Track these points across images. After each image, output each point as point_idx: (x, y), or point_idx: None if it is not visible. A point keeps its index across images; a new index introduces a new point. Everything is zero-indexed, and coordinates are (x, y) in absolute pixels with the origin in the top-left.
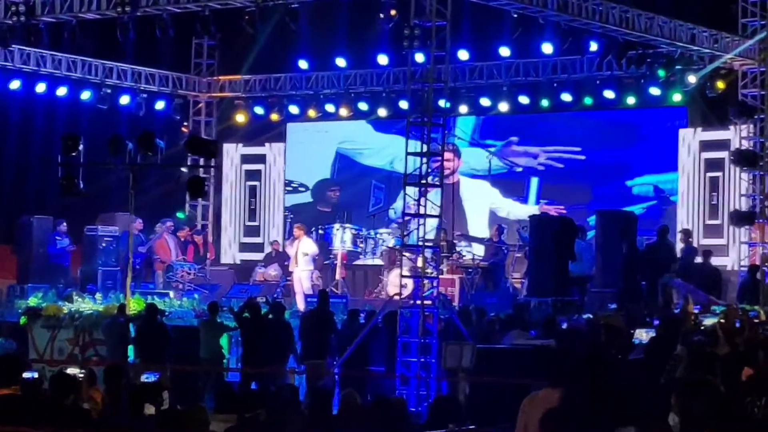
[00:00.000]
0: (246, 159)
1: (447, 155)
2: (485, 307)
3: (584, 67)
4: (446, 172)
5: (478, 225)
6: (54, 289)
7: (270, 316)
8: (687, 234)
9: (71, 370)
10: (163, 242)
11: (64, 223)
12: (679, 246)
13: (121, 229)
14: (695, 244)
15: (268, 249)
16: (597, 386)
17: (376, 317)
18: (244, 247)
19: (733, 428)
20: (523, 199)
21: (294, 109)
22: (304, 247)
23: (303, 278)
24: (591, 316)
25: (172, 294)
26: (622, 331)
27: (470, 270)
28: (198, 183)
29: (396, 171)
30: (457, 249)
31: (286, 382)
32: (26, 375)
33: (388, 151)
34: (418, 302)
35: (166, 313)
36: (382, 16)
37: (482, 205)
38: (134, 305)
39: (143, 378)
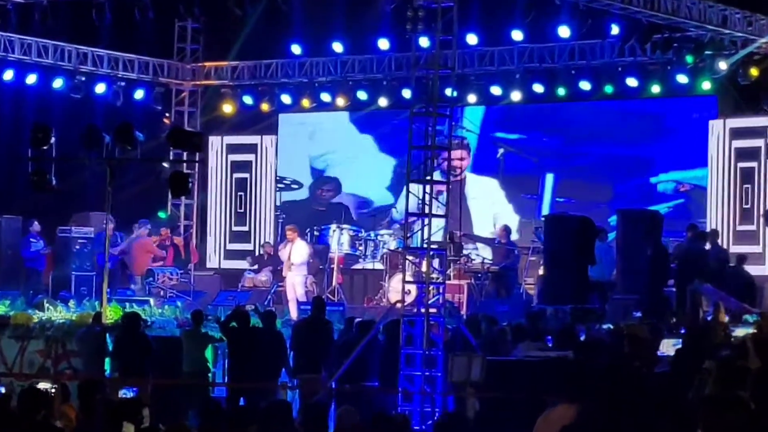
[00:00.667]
0: (233, 149)
1: (458, 153)
2: (496, 316)
3: (605, 53)
4: (456, 170)
5: (486, 226)
6: (23, 296)
7: (260, 325)
8: (714, 235)
9: (42, 385)
10: (144, 244)
11: (37, 223)
12: (706, 248)
13: (96, 230)
14: (725, 247)
15: (258, 252)
16: (618, 402)
17: (376, 327)
18: (231, 252)
19: None
20: (537, 198)
21: (286, 99)
22: (298, 250)
23: (297, 284)
24: (612, 326)
25: (152, 301)
26: (647, 342)
27: (479, 275)
28: (181, 179)
29: (399, 166)
30: (465, 252)
31: (277, 398)
32: None
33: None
34: (423, 310)
35: (148, 323)
36: None
37: (491, 204)
38: (111, 314)
39: (121, 393)
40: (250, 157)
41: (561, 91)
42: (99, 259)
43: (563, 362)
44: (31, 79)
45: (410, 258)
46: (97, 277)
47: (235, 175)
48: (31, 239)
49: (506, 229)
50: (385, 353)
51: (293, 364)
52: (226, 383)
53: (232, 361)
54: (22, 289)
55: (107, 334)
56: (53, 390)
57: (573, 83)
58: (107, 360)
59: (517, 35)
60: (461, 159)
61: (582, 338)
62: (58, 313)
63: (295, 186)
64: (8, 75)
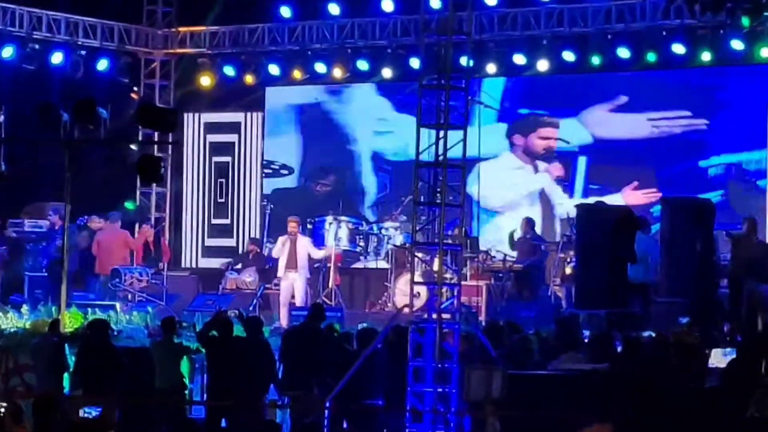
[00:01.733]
0: (212, 128)
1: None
2: (520, 322)
3: (646, 15)
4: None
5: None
6: None
7: (243, 334)
8: None
9: None
10: (117, 237)
11: None
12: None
13: (52, 224)
14: None
15: (242, 249)
16: (662, 422)
17: (379, 336)
18: (211, 249)
19: None
20: (568, 185)
21: (274, 70)
22: (304, 247)
23: (298, 288)
24: (655, 334)
25: (118, 306)
26: (696, 351)
27: (500, 274)
28: (152, 164)
29: (405, 148)
30: (484, 248)
31: (264, 418)
32: None
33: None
34: (434, 316)
35: (114, 332)
36: None
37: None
38: (71, 321)
39: (83, 413)
40: (233, 137)
41: (595, 60)
42: (45, 255)
43: (597, 376)
44: None
45: (419, 255)
46: (50, 279)
47: (215, 159)
48: None
49: (530, 222)
50: (390, 366)
51: (283, 379)
52: (205, 401)
53: (211, 376)
54: None
55: (66, 345)
56: (2, 409)
57: (609, 50)
58: (66, 375)
59: None
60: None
61: (619, 348)
62: (8, 321)
63: (285, 171)
64: None
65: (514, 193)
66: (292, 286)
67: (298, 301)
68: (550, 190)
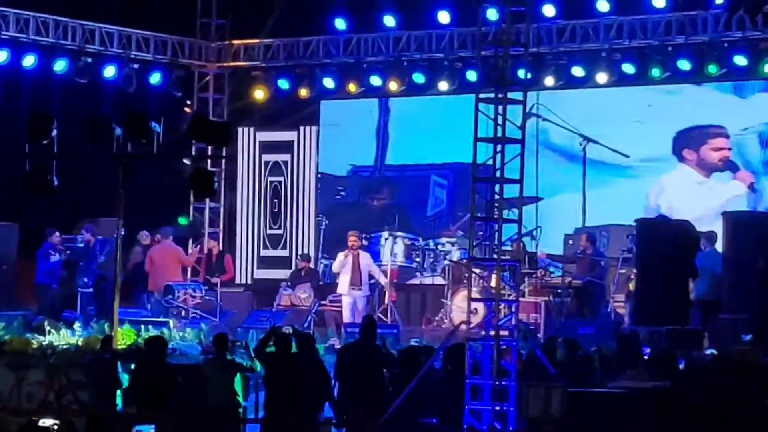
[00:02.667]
0: (267, 148)
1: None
2: (579, 339)
3: (707, 26)
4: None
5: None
6: (20, 317)
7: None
8: None
9: (44, 422)
10: (165, 252)
11: (57, 233)
12: None
13: (86, 241)
14: None
15: (294, 266)
16: None
17: (436, 353)
18: (265, 262)
19: None
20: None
21: (329, 83)
22: (366, 263)
23: (360, 306)
24: (718, 351)
25: (172, 323)
26: (761, 369)
27: (559, 290)
28: (205, 178)
29: (462, 162)
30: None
31: None
32: None
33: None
34: (492, 333)
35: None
36: None
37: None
38: (123, 338)
39: (135, 431)
40: (287, 151)
41: (655, 72)
42: (83, 273)
43: (660, 394)
44: (29, 60)
45: (477, 271)
46: (95, 295)
47: (269, 174)
48: (50, 251)
49: (590, 238)
50: (445, 384)
51: (339, 397)
52: (259, 419)
53: (269, 393)
54: (36, 309)
55: (118, 362)
56: (56, 427)
57: (670, 62)
58: (118, 392)
59: (602, 6)
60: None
61: (682, 366)
62: (61, 338)
63: (340, 187)
64: (1, 56)
65: (703, 206)
66: (355, 303)
67: (358, 319)
68: (739, 200)
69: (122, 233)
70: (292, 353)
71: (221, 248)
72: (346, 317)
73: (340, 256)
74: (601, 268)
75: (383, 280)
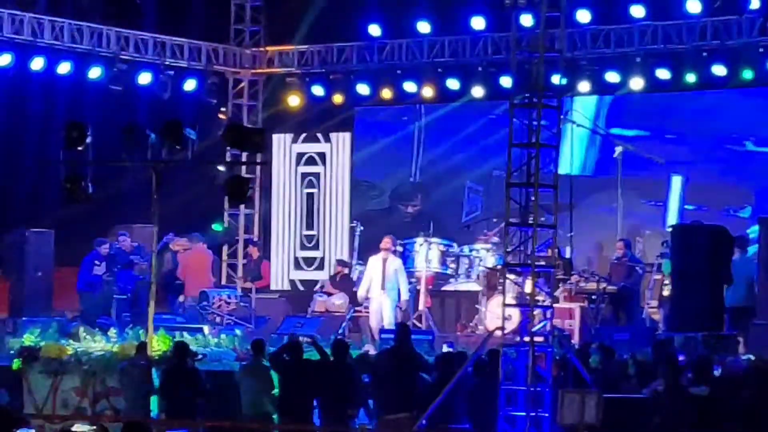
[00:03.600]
0: (302, 158)
1: None
2: (614, 345)
3: (742, 31)
4: None
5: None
6: (55, 324)
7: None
8: None
9: (78, 428)
10: (196, 257)
11: (107, 245)
12: None
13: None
14: None
15: (329, 273)
16: None
17: (471, 359)
18: (300, 267)
19: None
20: (662, 205)
21: (363, 89)
22: (394, 267)
23: (386, 308)
24: (754, 357)
25: (206, 329)
26: None
27: (594, 296)
28: (240, 185)
29: (497, 168)
30: (578, 269)
31: None
32: None
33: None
34: (527, 339)
35: (199, 356)
36: None
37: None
38: (159, 344)
39: None
40: (319, 168)
41: (690, 78)
42: (120, 278)
43: (696, 400)
44: (64, 68)
45: (511, 277)
46: (131, 302)
47: (304, 179)
48: (95, 262)
49: (626, 244)
50: (479, 390)
51: (375, 403)
52: (280, 425)
53: (281, 399)
54: (71, 315)
55: (153, 369)
56: None
57: (704, 68)
58: (153, 399)
59: (637, 11)
60: None
61: (717, 372)
62: (96, 344)
63: (374, 193)
64: (37, 64)
65: None
66: (381, 307)
67: (385, 324)
68: None
69: (157, 240)
70: (304, 360)
71: (259, 254)
72: (375, 322)
73: (371, 260)
74: (637, 275)
75: (404, 288)
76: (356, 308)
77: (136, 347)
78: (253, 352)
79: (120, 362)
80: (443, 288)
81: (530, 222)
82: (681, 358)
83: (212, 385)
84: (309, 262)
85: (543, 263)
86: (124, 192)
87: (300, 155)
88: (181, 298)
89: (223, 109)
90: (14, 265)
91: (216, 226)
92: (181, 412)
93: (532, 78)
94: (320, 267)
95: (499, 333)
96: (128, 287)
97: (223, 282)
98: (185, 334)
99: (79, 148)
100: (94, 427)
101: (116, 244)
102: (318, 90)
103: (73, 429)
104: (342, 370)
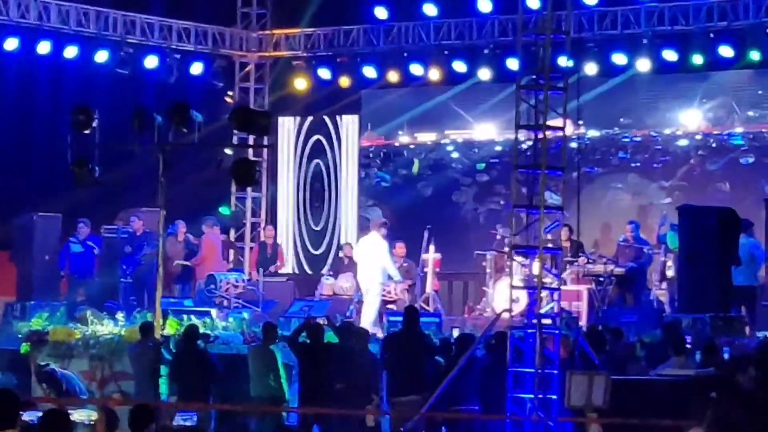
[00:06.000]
0: (308, 133)
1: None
2: (621, 327)
3: (749, 12)
4: None
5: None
6: (63, 307)
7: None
8: None
9: (78, 415)
10: (209, 242)
11: (84, 225)
12: None
13: (134, 230)
14: None
15: (336, 254)
16: None
17: (478, 341)
18: (308, 254)
19: None
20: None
21: (370, 72)
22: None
23: (371, 294)
24: (763, 339)
25: (214, 313)
26: None
27: (602, 278)
28: (247, 168)
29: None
30: (585, 252)
31: (365, 426)
32: (27, 417)
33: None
34: (534, 321)
35: (211, 339)
36: None
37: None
38: (169, 327)
39: (178, 420)
40: (329, 141)
41: (697, 59)
42: (125, 262)
43: (704, 381)
44: (70, 52)
45: (518, 259)
46: (135, 286)
47: (311, 163)
48: (71, 241)
49: (634, 225)
50: (487, 372)
51: (386, 386)
52: (297, 408)
53: (303, 383)
54: (67, 299)
55: (163, 351)
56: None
57: (711, 49)
58: (162, 381)
59: None
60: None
61: (726, 355)
62: (104, 327)
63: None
64: (44, 48)
65: None
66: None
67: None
68: None
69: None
70: (325, 343)
71: (274, 239)
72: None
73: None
74: (646, 257)
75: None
76: None
77: (139, 330)
78: (263, 335)
79: (129, 345)
80: (450, 271)
81: (536, 204)
82: (688, 339)
83: (219, 368)
84: (316, 244)
85: (550, 245)
86: (132, 176)
87: (307, 138)
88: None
89: (229, 92)
90: (22, 249)
91: (223, 210)
92: (193, 395)
93: (539, 60)
94: (328, 250)
95: (506, 315)
96: (131, 272)
97: (231, 266)
98: (193, 317)
99: (86, 132)
100: (94, 413)
101: (122, 230)
102: (324, 73)
103: (73, 417)
104: (353, 353)
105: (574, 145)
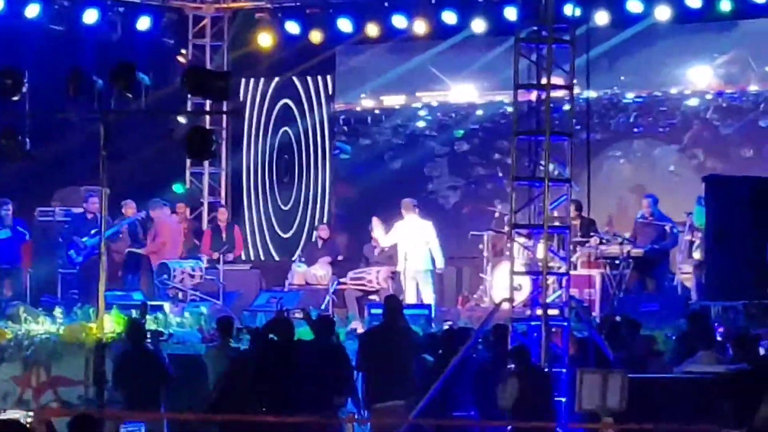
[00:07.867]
0: (274, 96)
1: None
2: (641, 317)
3: None
4: None
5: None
6: None
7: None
8: None
9: (13, 413)
10: (165, 224)
11: (6, 205)
12: None
13: (86, 212)
14: None
15: (310, 237)
16: None
17: (474, 336)
18: (276, 238)
19: None
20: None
21: (345, 25)
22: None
23: (424, 283)
24: None
25: (167, 307)
26: None
27: (617, 261)
28: (203, 138)
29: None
30: (599, 230)
31: None
32: None
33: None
34: (539, 312)
35: (163, 336)
36: None
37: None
38: (112, 324)
39: (124, 430)
40: (298, 105)
41: (725, 6)
42: (73, 248)
43: (737, 379)
44: None
45: (520, 240)
46: (81, 277)
47: (278, 132)
48: None
49: (652, 199)
50: (485, 372)
51: (363, 390)
52: (265, 413)
53: (270, 387)
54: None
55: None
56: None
57: None
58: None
59: None
60: None
61: (762, 349)
62: (39, 326)
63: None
64: None
65: None
66: (415, 280)
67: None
68: None
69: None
70: (296, 341)
71: (227, 221)
72: (409, 295)
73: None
74: (671, 236)
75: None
76: (341, 280)
77: (85, 329)
78: (219, 333)
79: (69, 347)
80: None
81: (541, 176)
82: (719, 331)
83: (176, 371)
84: (285, 227)
85: (557, 224)
86: (68, 149)
87: (273, 102)
88: None
89: (182, 50)
90: None
91: (176, 188)
92: (142, 402)
93: (541, 8)
94: (299, 233)
95: (507, 305)
96: (82, 261)
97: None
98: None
99: (15, 99)
100: (31, 413)
101: (67, 210)
102: (292, 27)
103: (6, 416)
104: (329, 351)
105: (567, 107)
